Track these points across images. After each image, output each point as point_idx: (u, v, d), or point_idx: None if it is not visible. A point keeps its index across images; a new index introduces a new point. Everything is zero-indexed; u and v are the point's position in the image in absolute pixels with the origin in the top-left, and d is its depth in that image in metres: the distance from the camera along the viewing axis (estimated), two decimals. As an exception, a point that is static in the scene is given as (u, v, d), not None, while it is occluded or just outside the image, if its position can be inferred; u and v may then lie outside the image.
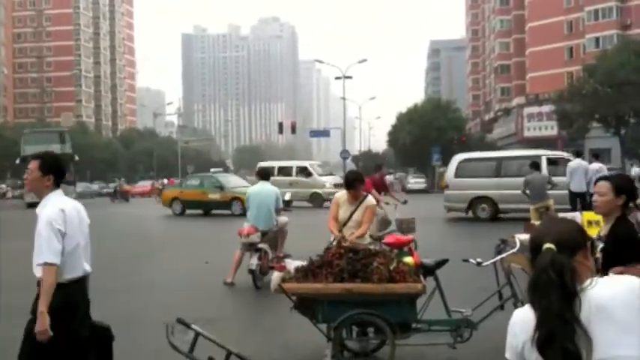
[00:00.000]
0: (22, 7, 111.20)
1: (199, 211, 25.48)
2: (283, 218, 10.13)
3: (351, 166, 63.89)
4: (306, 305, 5.23)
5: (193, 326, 3.35)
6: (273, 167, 28.73)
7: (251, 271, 9.10)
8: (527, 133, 61.27)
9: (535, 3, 71.40)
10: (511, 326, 1.79)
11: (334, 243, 5.76)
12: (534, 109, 61.87)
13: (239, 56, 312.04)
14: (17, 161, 36.87)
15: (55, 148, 34.93)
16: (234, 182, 26.54)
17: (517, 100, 71.42)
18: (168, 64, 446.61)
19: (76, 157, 38.31)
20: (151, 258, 13.15)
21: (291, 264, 5.45)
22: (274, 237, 9.85)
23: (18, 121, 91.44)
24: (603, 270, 3.38)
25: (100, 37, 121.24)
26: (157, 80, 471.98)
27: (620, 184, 3.79)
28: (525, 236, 5.57)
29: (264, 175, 10.33)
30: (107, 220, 23.64)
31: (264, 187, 9.88)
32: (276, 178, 24.58)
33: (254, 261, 9.15)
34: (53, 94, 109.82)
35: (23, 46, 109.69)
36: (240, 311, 8.33)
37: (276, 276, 5.32)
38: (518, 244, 5.57)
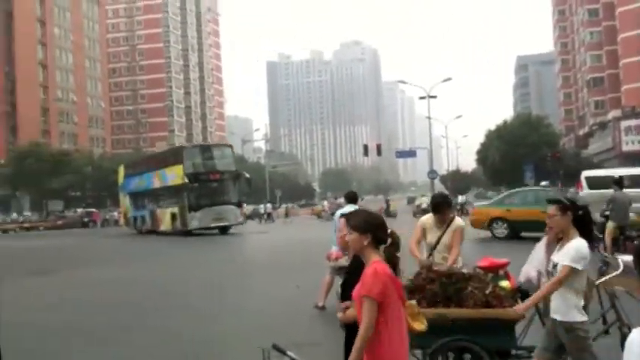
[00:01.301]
0: (116, 43, 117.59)
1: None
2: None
3: (439, 186, 62.89)
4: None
5: (289, 353, 3.33)
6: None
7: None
8: (625, 147, 58.41)
9: (626, 14, 68.61)
10: (630, 345, 1.69)
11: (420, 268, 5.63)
12: (632, 122, 59.03)
13: (322, 81, 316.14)
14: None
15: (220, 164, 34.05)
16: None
17: (613, 114, 68.42)
18: (254, 92, 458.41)
19: (247, 175, 36.56)
20: (251, 280, 13.36)
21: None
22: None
23: (116, 151, 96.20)
24: None
25: (189, 69, 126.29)
26: (245, 108, 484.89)
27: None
28: (628, 257, 5.25)
29: (352, 198, 10.31)
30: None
31: (351, 211, 9.84)
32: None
33: (344, 285, 9.08)
34: (148, 124, 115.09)
35: (118, 81, 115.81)
36: (332, 336, 8.28)
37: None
38: (621, 266, 5.27)
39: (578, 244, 4.11)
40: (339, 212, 10.39)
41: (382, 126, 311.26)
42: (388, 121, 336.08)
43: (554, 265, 4.20)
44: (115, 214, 58.71)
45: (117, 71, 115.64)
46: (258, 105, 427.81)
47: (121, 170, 43.84)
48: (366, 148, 53.01)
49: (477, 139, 71.10)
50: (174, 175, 33.01)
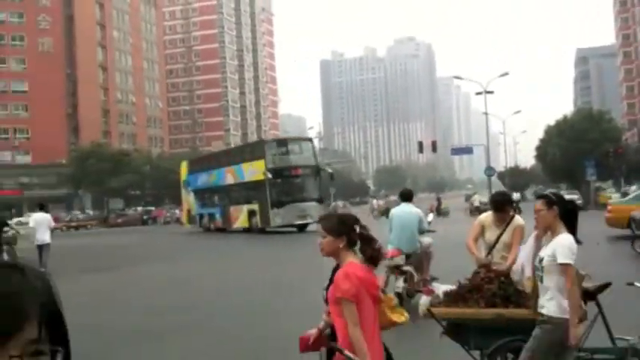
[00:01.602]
0: (173, 45, 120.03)
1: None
2: (428, 240, 9.94)
3: (496, 183, 61.74)
4: (457, 331, 5.06)
5: (346, 352, 3.33)
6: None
7: (397, 294, 8.99)
8: (691, 141, 56.09)
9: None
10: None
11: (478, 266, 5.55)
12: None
13: (376, 78, 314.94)
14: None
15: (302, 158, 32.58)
16: None
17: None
18: (307, 90, 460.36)
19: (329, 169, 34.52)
20: (314, 278, 13.42)
21: (439, 288, 5.31)
22: (419, 259, 9.69)
23: (173, 151, 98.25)
24: None
25: (244, 69, 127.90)
26: (298, 106, 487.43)
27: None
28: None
29: (407, 196, 10.22)
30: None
31: (406, 209, 9.77)
32: None
33: (400, 284, 9.04)
34: (204, 124, 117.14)
35: (175, 81, 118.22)
36: (389, 336, 8.24)
37: (424, 300, 5.20)
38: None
39: (567, 241, 4.11)
40: (393, 211, 10.33)
41: (437, 122, 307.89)
42: (443, 118, 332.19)
43: (541, 260, 4.21)
44: (177, 211, 58.86)
45: (174, 72, 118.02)
46: (312, 103, 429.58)
47: (184, 167, 42.41)
48: (420, 145, 52.50)
49: (536, 134, 69.52)
50: (254, 171, 31.41)
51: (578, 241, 4.20)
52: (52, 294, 0.88)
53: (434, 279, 8.20)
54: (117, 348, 7.69)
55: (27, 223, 20.86)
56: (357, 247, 3.37)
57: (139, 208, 66.06)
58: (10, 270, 0.85)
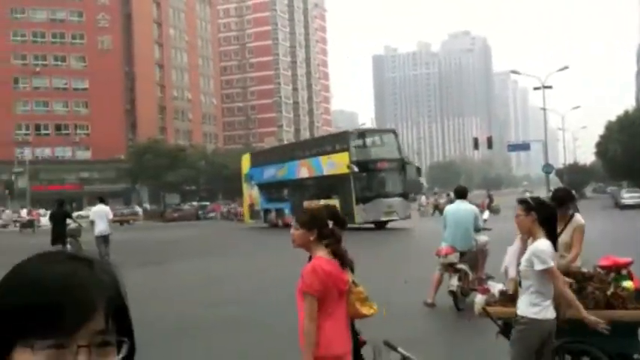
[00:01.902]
0: (227, 42, 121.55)
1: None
2: (483, 238, 9.78)
3: (554, 180, 60.36)
4: (514, 330, 4.97)
5: (400, 349, 3.32)
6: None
7: (452, 293, 8.89)
8: None
9: None
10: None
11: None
12: None
13: (430, 73, 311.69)
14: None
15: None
16: None
17: None
18: (360, 86, 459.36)
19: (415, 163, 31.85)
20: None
21: (495, 287, 5.22)
22: (474, 257, 9.56)
23: (227, 147, 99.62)
24: None
25: (297, 65, 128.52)
26: (350, 102, 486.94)
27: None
28: None
29: (462, 193, 10.08)
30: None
31: (461, 206, 9.65)
32: None
33: (454, 282, 8.93)
34: (257, 121, 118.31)
35: (229, 78, 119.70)
36: (443, 333, 8.17)
37: (479, 299, 5.12)
38: None
39: (541, 247, 4.20)
40: (447, 208, 10.22)
41: (493, 118, 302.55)
42: (499, 113, 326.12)
43: (519, 264, 4.37)
44: (234, 206, 58.54)
45: (228, 69, 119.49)
46: (364, 99, 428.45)
47: (246, 160, 40.79)
48: (476, 141, 51.77)
49: (597, 130, 67.55)
50: (335, 164, 29.63)
51: (556, 246, 4.36)
52: (118, 287, 0.92)
53: (489, 277, 8.07)
54: (162, 341, 7.76)
55: (87, 217, 21.48)
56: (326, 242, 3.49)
57: (194, 203, 67.17)
58: (79, 263, 0.89)
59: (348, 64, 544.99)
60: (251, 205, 38.95)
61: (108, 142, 75.34)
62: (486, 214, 11.92)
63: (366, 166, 28.87)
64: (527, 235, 4.43)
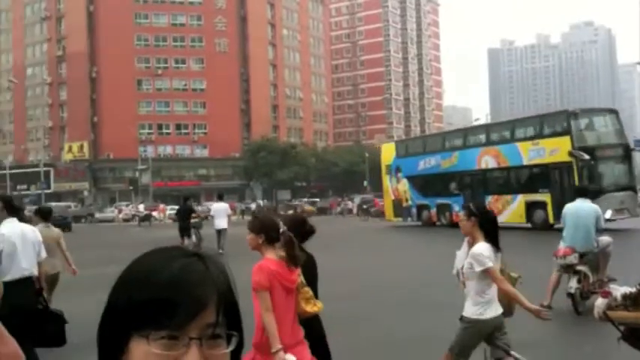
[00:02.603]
0: (339, 40, 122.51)
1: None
2: (606, 239, 9.19)
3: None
4: (638, 336, 4.60)
5: (513, 352, 3.16)
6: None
7: (570, 295, 8.43)
8: None
9: None
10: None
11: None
12: None
13: (549, 66, 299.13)
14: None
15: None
16: None
17: None
18: (473, 81, 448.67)
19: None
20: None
21: (618, 290, 4.86)
22: (595, 259, 9.00)
23: (337, 144, 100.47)
24: None
25: (408, 61, 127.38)
26: (463, 97, 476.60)
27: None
28: None
29: (583, 191, 9.56)
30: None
31: (582, 205, 9.11)
32: None
33: (573, 284, 8.47)
34: (367, 118, 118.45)
35: (340, 76, 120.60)
36: (560, 337, 7.75)
37: (600, 302, 4.78)
38: None
39: (479, 250, 4.58)
40: (567, 207, 9.67)
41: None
42: (625, 108, 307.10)
43: (462, 267, 4.74)
44: (349, 203, 58.29)
45: (339, 67, 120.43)
46: (478, 94, 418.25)
47: (389, 150, 35.49)
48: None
49: None
50: (548, 150, 24.53)
51: (498, 249, 4.67)
52: (229, 282, 0.96)
53: (612, 280, 7.57)
54: None
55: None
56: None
57: (304, 199, 68.36)
58: (193, 259, 0.94)
59: (462, 59, 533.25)
60: (396, 201, 33.69)
61: (224, 140, 78.21)
62: (609, 214, 11.22)
63: (593, 153, 23.33)
64: (471, 239, 4.77)
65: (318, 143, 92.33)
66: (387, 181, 34.71)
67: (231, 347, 0.92)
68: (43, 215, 8.36)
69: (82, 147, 79.19)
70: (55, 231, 8.36)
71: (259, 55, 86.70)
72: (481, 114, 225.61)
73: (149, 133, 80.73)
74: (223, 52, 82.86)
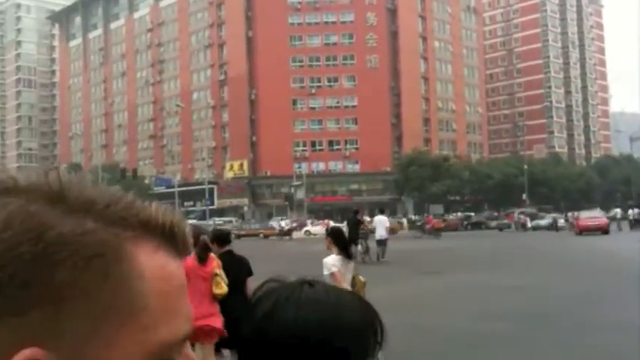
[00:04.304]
0: (493, 49, 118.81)
1: None
2: None
3: None
4: None
5: None
6: None
7: None
8: None
9: None
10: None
11: None
12: None
13: None
14: None
15: None
16: None
17: None
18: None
19: None
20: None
21: None
22: None
23: (492, 156, 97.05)
24: None
25: (569, 67, 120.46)
26: (633, 102, 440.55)
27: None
28: None
29: None
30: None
31: None
32: None
33: None
34: (525, 127, 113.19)
35: (495, 86, 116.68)
36: None
37: None
38: None
39: (327, 260, 5.66)
40: None
41: None
42: None
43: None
44: (523, 217, 54.10)
45: (494, 77, 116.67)
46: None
47: None
48: None
49: None
50: None
51: (349, 256, 5.82)
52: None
53: None
54: (444, 351, 7.95)
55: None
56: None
57: (459, 214, 66.59)
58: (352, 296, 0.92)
59: (630, 61, 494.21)
60: None
61: (375, 155, 78.64)
62: None
63: None
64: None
65: (473, 155, 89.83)
66: None
67: None
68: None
69: (242, 165, 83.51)
70: None
71: (410, 68, 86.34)
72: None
73: (303, 150, 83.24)
74: (374, 68, 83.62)
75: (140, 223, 0.49)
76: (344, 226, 19.00)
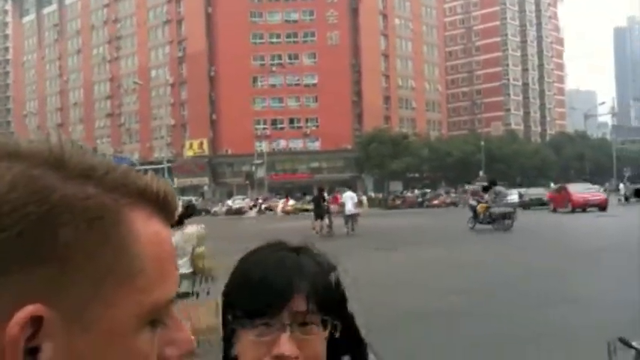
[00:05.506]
0: (453, 26, 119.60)
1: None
2: None
3: None
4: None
5: (634, 343, 2.75)
6: None
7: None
8: None
9: None
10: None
11: None
12: None
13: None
14: None
15: None
16: None
17: None
18: (598, 62, 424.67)
19: None
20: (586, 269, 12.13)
21: None
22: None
23: (451, 133, 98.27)
24: None
25: (527, 45, 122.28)
26: (587, 80, 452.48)
27: None
28: None
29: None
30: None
31: None
32: None
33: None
34: (483, 105, 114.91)
35: (454, 64, 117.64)
36: None
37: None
38: None
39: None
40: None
41: None
42: None
43: None
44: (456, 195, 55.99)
45: (453, 54, 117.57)
46: (603, 76, 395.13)
47: None
48: None
49: None
50: None
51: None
52: (325, 273, 1.02)
53: None
54: (402, 326, 7.81)
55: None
56: None
57: (416, 191, 67.23)
58: (289, 252, 1.03)
59: (586, 39, 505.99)
60: None
61: (336, 132, 78.77)
62: None
63: None
64: None
65: (432, 133, 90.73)
66: None
67: (328, 331, 0.99)
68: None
69: (201, 144, 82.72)
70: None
71: (371, 46, 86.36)
72: (607, 97, 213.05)
73: (264, 128, 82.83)
74: (335, 45, 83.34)
75: (137, 190, 0.53)
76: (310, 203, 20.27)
